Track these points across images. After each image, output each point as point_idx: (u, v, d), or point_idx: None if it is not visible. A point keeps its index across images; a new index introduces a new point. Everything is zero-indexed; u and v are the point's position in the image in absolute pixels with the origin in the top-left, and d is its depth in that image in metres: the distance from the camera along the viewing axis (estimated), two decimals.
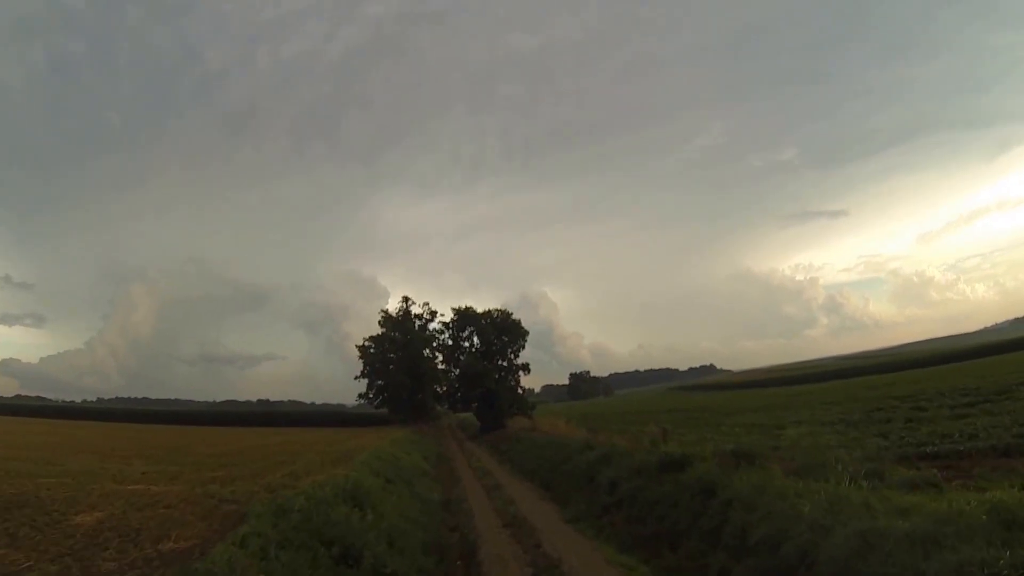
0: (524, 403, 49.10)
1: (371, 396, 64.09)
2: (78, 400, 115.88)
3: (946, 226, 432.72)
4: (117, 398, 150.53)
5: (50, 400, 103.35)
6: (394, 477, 17.29)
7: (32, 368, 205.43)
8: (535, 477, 18.46)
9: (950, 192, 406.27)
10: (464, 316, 51.04)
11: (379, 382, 63.49)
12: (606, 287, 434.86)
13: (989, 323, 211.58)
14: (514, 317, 50.58)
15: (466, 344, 51.44)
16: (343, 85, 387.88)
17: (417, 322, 62.65)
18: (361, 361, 64.65)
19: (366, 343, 65.64)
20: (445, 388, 53.83)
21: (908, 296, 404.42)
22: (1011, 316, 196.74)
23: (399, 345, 61.95)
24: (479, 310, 51.46)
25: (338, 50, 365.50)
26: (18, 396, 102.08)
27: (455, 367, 51.36)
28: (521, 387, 50.69)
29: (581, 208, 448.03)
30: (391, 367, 62.70)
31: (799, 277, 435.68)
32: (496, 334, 49.44)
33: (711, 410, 39.17)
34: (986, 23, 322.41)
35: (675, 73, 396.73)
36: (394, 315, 64.54)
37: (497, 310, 50.83)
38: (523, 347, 50.41)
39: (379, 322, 65.19)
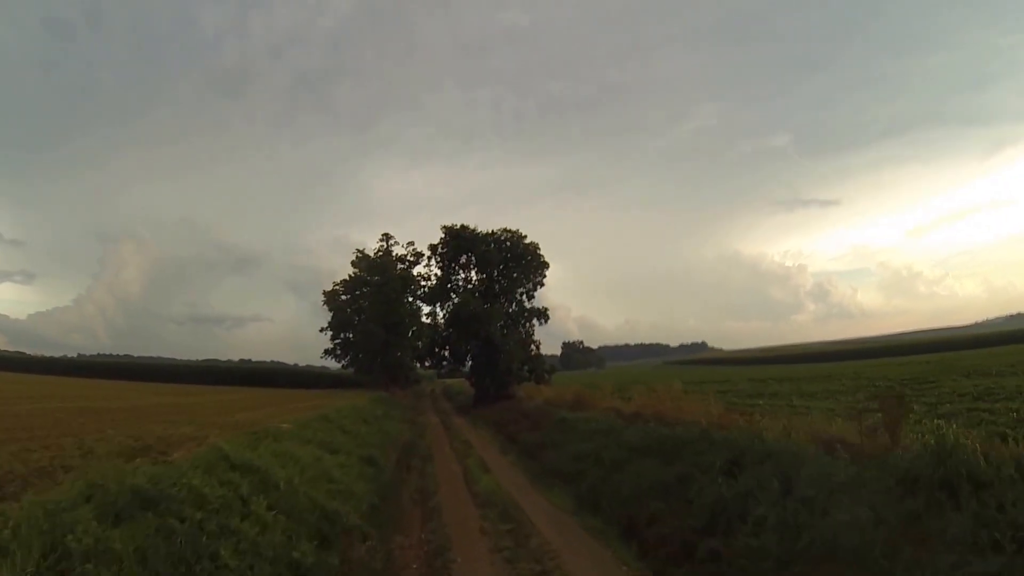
0: (540, 364, 36.07)
1: (337, 352, 51.37)
2: (58, 356, 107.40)
3: (937, 220, 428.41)
4: (99, 355, 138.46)
5: (29, 356, 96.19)
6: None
7: (20, 324, 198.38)
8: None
9: (943, 187, 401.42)
10: (458, 238, 36.79)
11: (347, 335, 50.88)
12: (594, 262, 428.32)
13: (978, 319, 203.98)
14: (528, 241, 36.37)
15: (460, 278, 37.88)
16: (335, 54, 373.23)
17: (400, 265, 49.73)
18: (327, 308, 52.12)
19: (335, 287, 52.71)
20: (428, 342, 40.60)
21: (896, 288, 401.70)
22: (1002, 313, 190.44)
23: (374, 288, 48.99)
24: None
25: (331, 19, 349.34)
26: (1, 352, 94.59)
27: (444, 313, 37.95)
28: (535, 341, 37.04)
29: (571, 183, 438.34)
30: (363, 316, 50.03)
31: (788, 263, 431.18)
32: (503, 264, 35.93)
33: (795, 381, 27.55)
34: (988, 23, 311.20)
35: (668, 55, 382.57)
36: (372, 256, 51.39)
37: (505, 231, 36.39)
38: (541, 284, 36.77)
39: (352, 262, 52.00)
